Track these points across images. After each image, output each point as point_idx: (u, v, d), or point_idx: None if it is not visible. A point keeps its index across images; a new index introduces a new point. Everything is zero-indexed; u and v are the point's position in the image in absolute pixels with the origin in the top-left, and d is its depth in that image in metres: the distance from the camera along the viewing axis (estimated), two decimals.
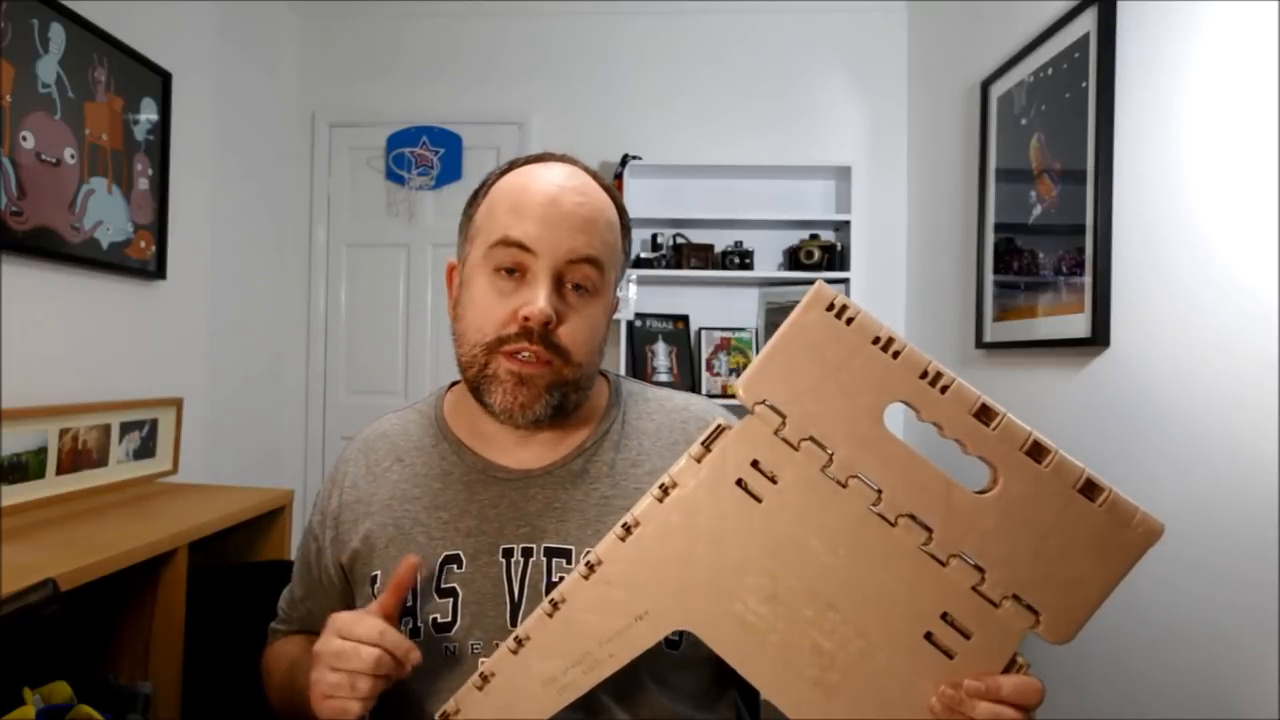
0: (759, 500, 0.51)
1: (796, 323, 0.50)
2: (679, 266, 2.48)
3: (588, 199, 0.66)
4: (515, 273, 0.64)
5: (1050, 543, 0.47)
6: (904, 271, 2.57)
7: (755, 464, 0.51)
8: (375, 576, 0.68)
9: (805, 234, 2.50)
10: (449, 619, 0.65)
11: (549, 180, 0.66)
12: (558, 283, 0.64)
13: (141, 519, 1.39)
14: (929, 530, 0.49)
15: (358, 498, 0.72)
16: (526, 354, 0.63)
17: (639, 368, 2.49)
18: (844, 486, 0.50)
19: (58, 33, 1.54)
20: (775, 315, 2.51)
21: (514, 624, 0.64)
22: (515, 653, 0.54)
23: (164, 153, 1.86)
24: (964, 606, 0.48)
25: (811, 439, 0.50)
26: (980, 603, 0.48)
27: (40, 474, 1.44)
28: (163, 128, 1.86)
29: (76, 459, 1.52)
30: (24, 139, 1.47)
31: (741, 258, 2.47)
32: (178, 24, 1.94)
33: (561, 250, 0.63)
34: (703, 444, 0.52)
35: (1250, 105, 1.16)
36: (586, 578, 0.53)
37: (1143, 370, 1.38)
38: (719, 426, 0.52)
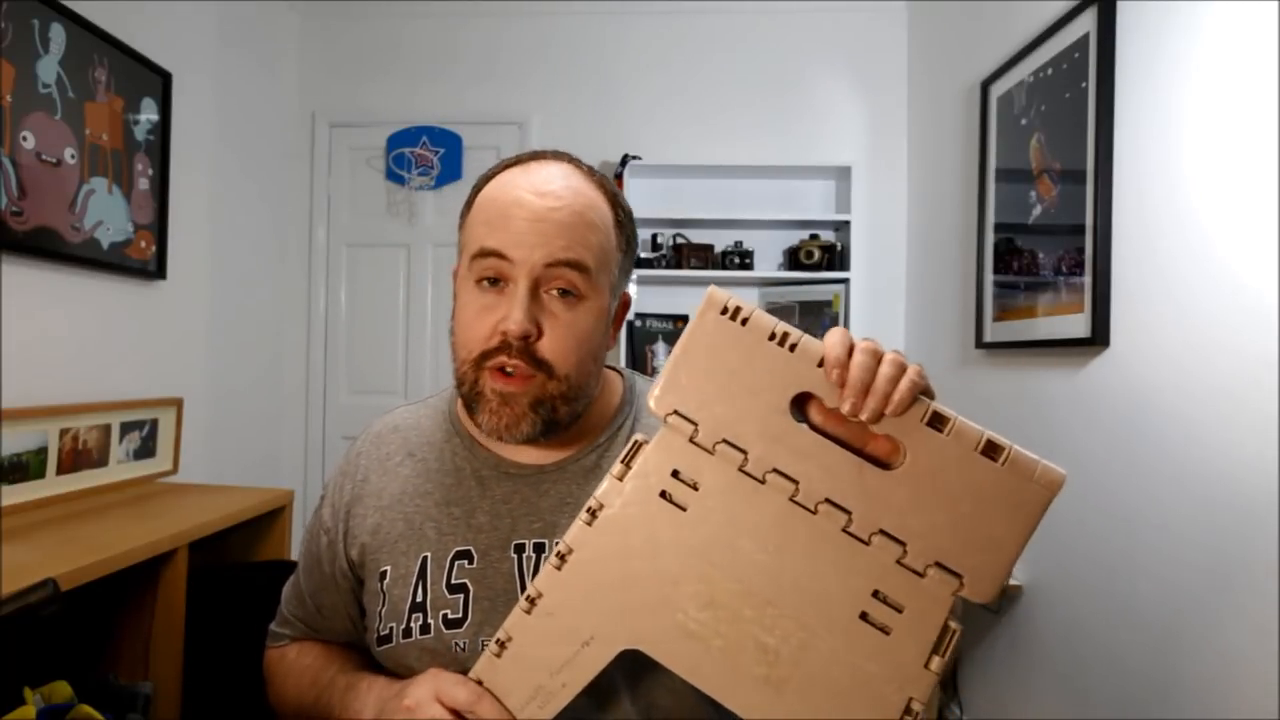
0: (684, 509, 0.52)
1: (694, 330, 0.51)
2: (679, 266, 2.48)
3: (565, 201, 0.63)
4: (498, 282, 0.63)
5: (962, 507, 0.48)
6: (904, 271, 2.57)
7: (676, 474, 0.52)
8: (385, 572, 0.68)
9: (805, 234, 2.50)
10: (460, 615, 0.65)
11: (525, 185, 0.63)
12: (537, 290, 0.62)
13: (141, 519, 1.39)
14: (848, 513, 0.50)
15: (369, 491, 0.71)
16: (509, 368, 0.62)
17: (639, 368, 2.49)
18: (762, 483, 0.51)
19: (58, 33, 1.54)
20: (775, 315, 2.50)
21: None
22: None
23: (164, 153, 1.86)
24: (892, 581, 0.50)
25: (725, 441, 0.51)
26: (907, 575, 0.49)
27: (40, 474, 1.44)
28: (163, 128, 1.86)
29: (76, 459, 1.52)
30: (24, 139, 1.47)
31: (741, 258, 2.48)
32: (178, 24, 1.94)
33: (537, 256, 0.61)
34: (623, 462, 0.53)
35: (1250, 105, 1.16)
36: (529, 612, 0.53)
37: (1142, 370, 1.38)
38: (636, 443, 0.53)
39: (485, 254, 0.62)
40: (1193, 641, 1.24)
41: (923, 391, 0.49)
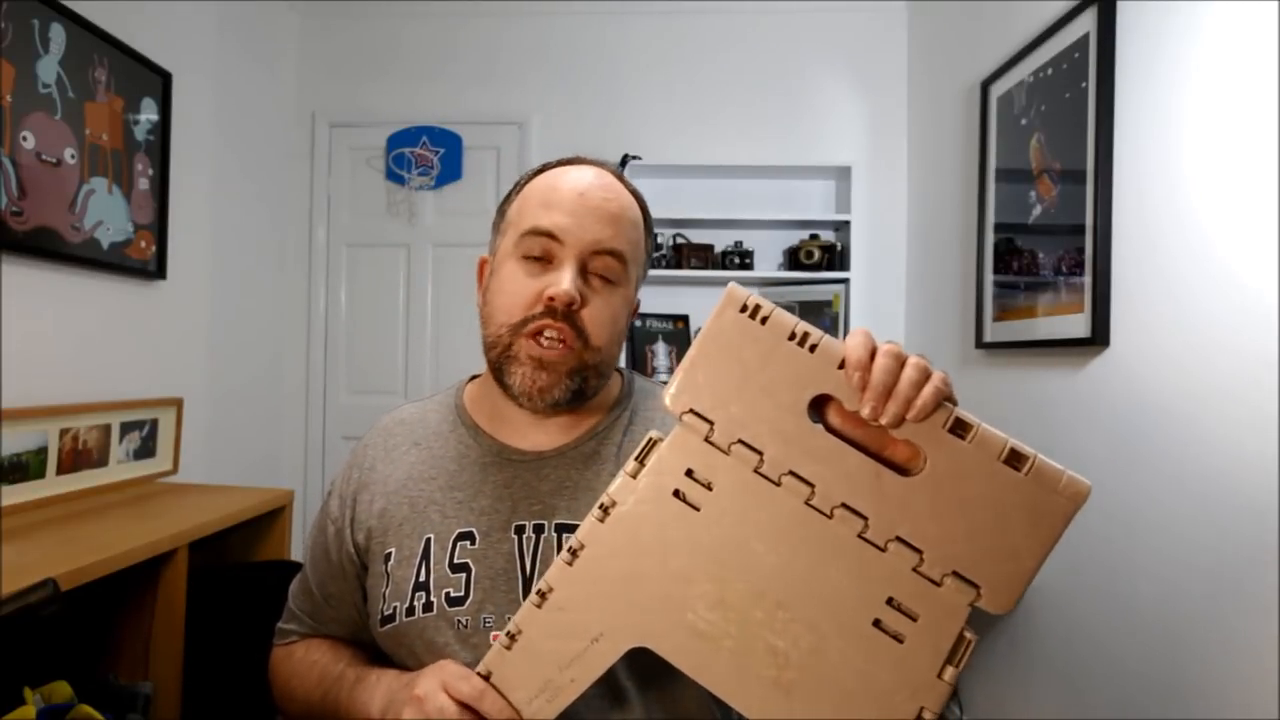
0: (697, 509, 0.51)
1: (713, 328, 0.51)
2: (679, 266, 2.48)
3: (615, 196, 0.70)
4: (542, 259, 0.67)
5: (982, 516, 0.47)
6: (904, 271, 2.57)
7: (690, 473, 0.52)
8: (390, 554, 0.70)
9: (805, 234, 2.50)
10: (461, 593, 0.66)
11: (578, 178, 0.70)
12: (582, 270, 0.67)
13: (141, 519, 1.39)
14: (864, 518, 0.49)
15: (375, 478, 0.74)
16: (550, 333, 0.65)
17: (639, 368, 2.49)
18: (777, 485, 0.50)
19: (58, 33, 1.54)
20: None
21: (525, 598, 0.64)
22: None
23: (164, 153, 1.86)
24: (907, 589, 0.49)
25: (741, 441, 0.50)
26: (922, 583, 0.49)
27: (40, 474, 1.44)
28: (163, 128, 1.86)
29: (76, 459, 1.52)
30: (24, 139, 1.47)
31: (741, 258, 2.48)
32: (178, 24, 1.94)
33: (587, 239, 0.66)
34: (637, 459, 0.53)
35: (1250, 105, 1.16)
36: (539, 606, 0.53)
37: (1143, 370, 1.38)
38: (650, 440, 0.53)
39: (536, 233, 0.67)
40: (1193, 642, 1.24)
41: (946, 398, 0.48)
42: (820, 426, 0.51)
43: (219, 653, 1.26)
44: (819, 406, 0.51)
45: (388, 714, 0.60)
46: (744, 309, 0.50)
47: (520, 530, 0.68)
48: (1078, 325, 1.52)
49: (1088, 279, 1.49)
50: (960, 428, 0.48)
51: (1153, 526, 1.34)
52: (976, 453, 0.48)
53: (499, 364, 0.68)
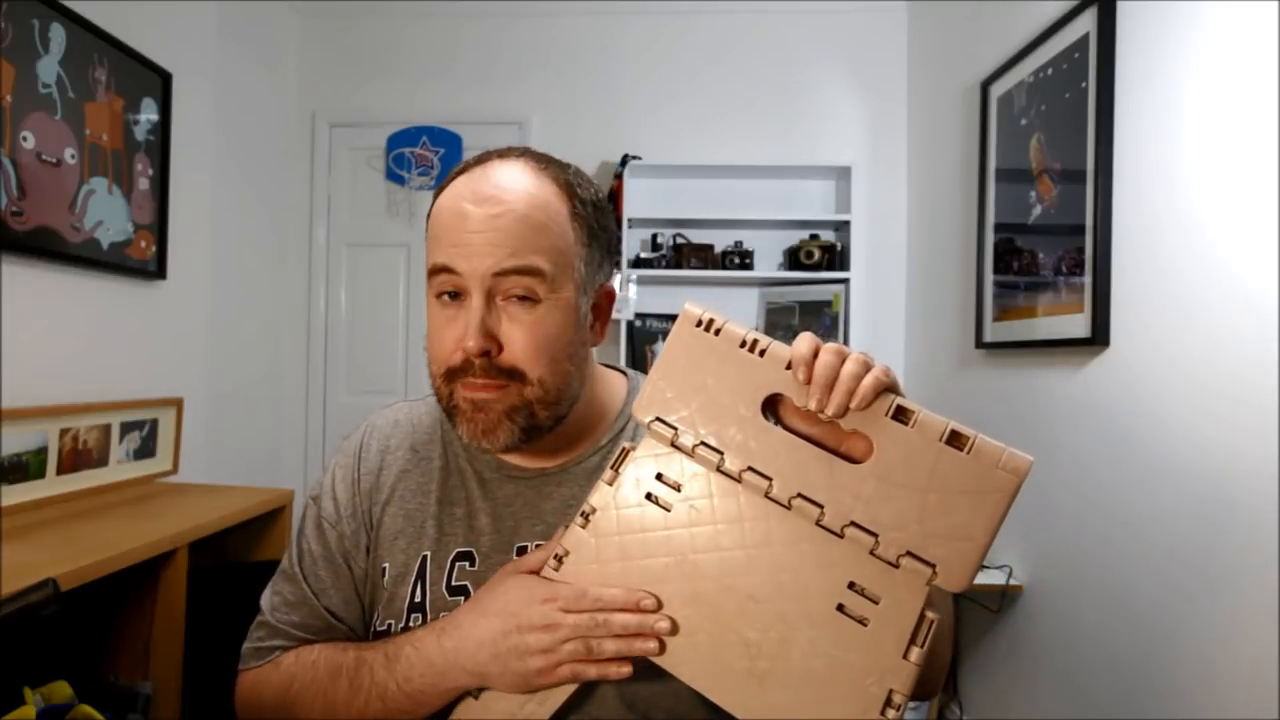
0: (669, 510, 0.55)
1: (673, 343, 0.56)
2: (679, 266, 2.48)
3: (507, 206, 0.61)
4: (457, 295, 0.62)
5: (930, 497, 0.49)
6: (904, 271, 2.57)
7: (660, 477, 0.55)
8: (385, 569, 0.67)
9: (805, 234, 2.50)
10: None
11: (468, 195, 0.62)
12: (493, 299, 0.61)
13: (141, 519, 1.39)
14: (820, 506, 0.51)
15: (374, 484, 0.70)
16: (478, 385, 0.62)
17: (639, 368, 2.48)
18: (739, 481, 0.53)
19: (58, 33, 1.54)
20: (775, 315, 2.51)
21: None
22: (476, 698, 0.57)
23: (164, 153, 1.86)
24: (866, 573, 0.51)
25: (703, 443, 0.54)
26: (881, 566, 0.50)
27: (40, 474, 1.44)
28: (163, 128, 1.86)
29: (76, 459, 1.52)
30: (24, 139, 1.47)
31: (741, 258, 2.48)
32: (178, 24, 1.94)
33: (485, 266, 0.60)
34: (612, 468, 0.57)
35: (1250, 105, 1.16)
36: None
37: (1142, 370, 1.38)
38: (624, 450, 0.57)
39: (437, 270, 0.62)
40: (1192, 641, 1.24)
41: (888, 388, 0.51)
42: (777, 425, 0.54)
43: (219, 653, 1.26)
44: (774, 408, 0.54)
45: (508, 664, 0.55)
46: (699, 324, 0.54)
47: (522, 551, 0.65)
48: (1078, 325, 1.53)
49: (1088, 279, 1.49)
50: (902, 414, 0.50)
51: (1152, 525, 1.34)
52: (919, 436, 0.50)
53: (448, 413, 0.65)
